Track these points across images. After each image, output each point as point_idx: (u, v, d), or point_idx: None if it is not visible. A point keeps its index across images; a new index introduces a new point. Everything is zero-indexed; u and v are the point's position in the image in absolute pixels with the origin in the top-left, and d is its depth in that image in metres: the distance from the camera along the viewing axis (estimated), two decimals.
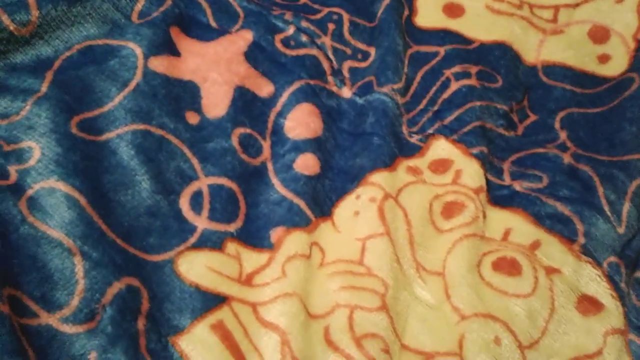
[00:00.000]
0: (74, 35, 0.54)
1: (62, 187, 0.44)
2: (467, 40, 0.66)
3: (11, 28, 0.51)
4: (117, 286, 0.43)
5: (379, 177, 0.54)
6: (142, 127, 0.50)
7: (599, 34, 0.69)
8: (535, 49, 0.68)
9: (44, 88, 0.50)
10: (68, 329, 0.41)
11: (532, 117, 0.63)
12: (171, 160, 0.50)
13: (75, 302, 0.42)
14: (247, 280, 0.47)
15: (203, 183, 0.50)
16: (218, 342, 0.43)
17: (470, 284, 0.49)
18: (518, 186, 0.57)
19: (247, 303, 0.46)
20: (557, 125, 0.62)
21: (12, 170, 0.45)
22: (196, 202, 0.49)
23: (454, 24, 0.68)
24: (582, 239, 0.53)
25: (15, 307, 0.39)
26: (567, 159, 0.59)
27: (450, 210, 0.54)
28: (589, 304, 0.50)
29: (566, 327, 0.49)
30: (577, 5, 0.71)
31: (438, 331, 0.47)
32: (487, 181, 0.57)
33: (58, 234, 0.42)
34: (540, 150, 0.60)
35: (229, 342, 0.43)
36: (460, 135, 0.58)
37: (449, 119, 0.60)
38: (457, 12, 0.70)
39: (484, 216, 0.54)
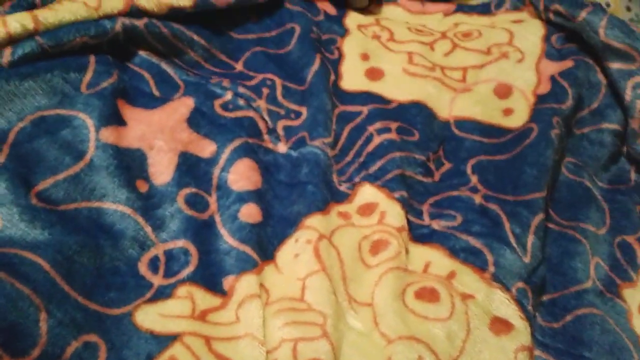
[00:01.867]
0: (26, 107, 0.58)
1: (25, 254, 0.48)
2: (386, 101, 0.75)
3: None
4: (74, 345, 0.47)
5: (314, 221, 0.60)
6: (95, 204, 0.55)
7: (503, 91, 0.79)
8: (448, 105, 0.77)
9: (1, 159, 0.54)
10: None
11: (447, 165, 0.72)
12: (127, 230, 0.55)
13: (36, 353, 0.45)
14: (201, 316, 0.51)
15: (159, 249, 0.55)
16: None
17: (395, 311, 0.55)
18: (436, 225, 0.64)
19: (200, 336, 0.50)
20: (468, 170, 0.71)
21: None
22: (153, 265, 0.54)
23: (374, 87, 0.77)
24: (492, 268, 0.60)
25: None
26: (478, 199, 0.67)
27: (377, 247, 0.60)
28: (500, 325, 0.56)
29: (481, 346, 0.55)
30: (482, 65, 0.81)
31: (369, 355, 0.52)
32: (409, 221, 0.64)
33: (27, 290, 0.46)
34: (455, 193, 0.68)
35: None
36: (383, 181, 0.65)
37: (373, 168, 0.67)
38: (378, 75, 0.79)
39: (407, 252, 0.61)
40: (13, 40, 0.61)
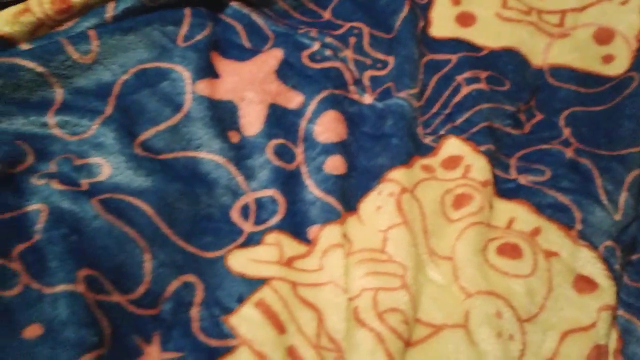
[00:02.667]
0: (128, 60, 0.62)
1: (131, 200, 0.53)
2: (477, 48, 0.73)
3: (75, 57, 0.60)
4: (175, 284, 0.52)
5: (396, 174, 0.61)
6: (191, 154, 0.59)
7: (604, 36, 0.74)
8: (543, 52, 0.74)
9: (108, 110, 0.58)
10: (135, 309, 0.49)
11: (539, 116, 0.70)
12: (221, 179, 0.58)
13: (141, 290, 0.50)
14: (288, 263, 0.55)
15: (250, 197, 0.58)
16: (261, 316, 0.50)
17: (475, 266, 0.56)
18: (523, 180, 0.63)
19: (287, 281, 0.53)
20: (561, 122, 0.68)
21: (84, 182, 0.54)
22: (244, 212, 0.58)
23: (465, 33, 0.75)
24: (579, 225, 0.59)
25: (91, 285, 0.48)
26: (569, 153, 0.65)
27: (460, 201, 0.60)
28: (584, 283, 0.56)
29: (563, 304, 0.55)
30: (583, 8, 0.76)
31: (447, 307, 0.54)
32: (494, 176, 0.63)
33: (133, 233, 0.51)
34: (545, 146, 0.66)
35: (269, 314, 0.50)
36: (469, 134, 0.65)
37: (460, 120, 0.66)
38: (469, 21, 0.76)
39: (490, 207, 0.60)
40: None
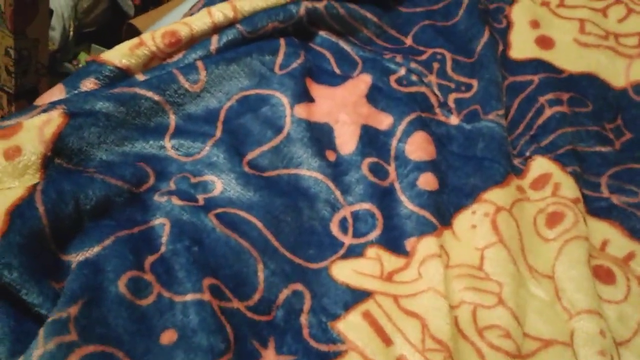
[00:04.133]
0: (232, 88, 0.68)
1: (242, 214, 0.58)
2: (558, 70, 0.75)
3: (186, 85, 0.66)
4: (285, 292, 0.55)
5: (492, 195, 0.63)
6: (293, 171, 0.63)
7: None
8: (624, 73, 0.76)
9: (217, 133, 0.64)
10: (252, 315, 0.53)
11: (628, 135, 0.71)
12: (320, 193, 0.62)
13: (256, 297, 0.54)
14: (388, 277, 0.58)
15: (347, 211, 0.62)
16: (367, 326, 0.53)
17: (577, 284, 0.56)
18: (616, 200, 0.64)
19: (389, 295, 0.56)
20: None
21: (200, 197, 0.59)
22: (343, 225, 0.61)
23: (545, 55, 0.77)
24: None
25: (215, 293, 0.52)
26: None
27: (553, 220, 0.62)
28: None
29: None
30: None
31: (554, 322, 0.55)
32: (584, 195, 0.64)
33: (246, 244, 0.56)
34: (637, 165, 0.67)
35: (376, 327, 0.53)
36: (555, 155, 0.67)
37: (545, 142, 0.68)
38: (548, 44, 0.79)
39: (585, 222, 0.62)
40: (217, 29, 0.71)
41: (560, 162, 0.66)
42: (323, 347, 0.52)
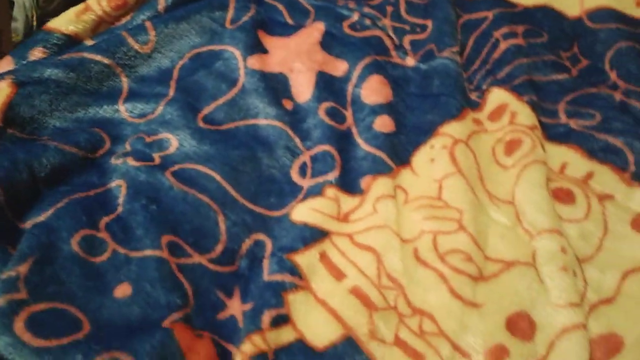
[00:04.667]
0: (183, 46, 0.67)
1: (200, 168, 0.58)
2: (512, 4, 0.75)
3: (136, 47, 0.65)
4: (248, 242, 0.56)
5: (448, 128, 0.63)
6: (251, 121, 0.63)
7: None
8: (578, 2, 0.75)
9: (171, 93, 0.63)
10: (215, 267, 0.53)
11: (584, 62, 0.70)
12: (280, 140, 0.62)
13: (219, 249, 0.54)
14: (344, 218, 0.58)
15: (306, 156, 0.62)
16: (322, 267, 0.54)
17: (536, 206, 0.57)
18: (574, 124, 0.64)
19: (344, 234, 0.57)
20: (606, 66, 0.69)
21: (156, 156, 0.59)
22: (302, 170, 0.61)
23: None
24: (632, 167, 0.60)
25: (173, 250, 0.52)
26: (618, 96, 0.65)
27: (511, 147, 0.62)
28: None
29: (621, 243, 0.56)
30: None
31: (515, 245, 0.56)
32: (542, 123, 0.64)
33: (205, 198, 0.56)
34: (593, 90, 0.67)
35: (330, 266, 0.54)
36: (511, 85, 0.67)
37: (501, 74, 0.68)
38: None
39: (543, 148, 0.62)
40: None
41: (517, 92, 0.66)
42: (278, 277, 0.53)
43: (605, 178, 0.60)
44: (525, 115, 0.64)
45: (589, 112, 0.65)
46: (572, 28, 0.73)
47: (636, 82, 0.66)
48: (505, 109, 0.65)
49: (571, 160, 0.62)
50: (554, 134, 0.64)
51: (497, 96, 0.67)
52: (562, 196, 0.59)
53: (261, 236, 0.56)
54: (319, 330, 0.50)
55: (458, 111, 0.65)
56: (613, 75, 0.68)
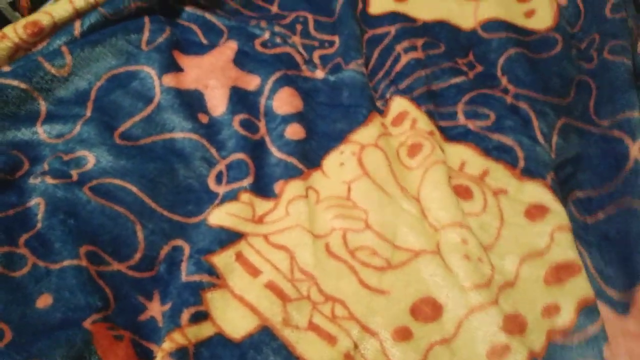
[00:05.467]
0: (100, 69, 0.70)
1: (117, 182, 0.60)
2: (412, 19, 0.81)
3: (53, 71, 0.68)
4: (166, 249, 0.59)
5: (357, 135, 0.68)
6: (167, 135, 0.66)
7: None
8: (472, 15, 0.82)
9: (88, 113, 0.66)
10: (134, 274, 0.56)
11: (479, 68, 0.77)
12: (196, 152, 0.65)
13: (137, 256, 0.57)
14: (259, 220, 0.62)
15: (222, 165, 0.65)
16: (239, 266, 0.58)
17: (440, 203, 0.62)
18: (471, 125, 0.70)
19: (259, 235, 0.60)
20: (498, 73, 0.76)
21: (74, 173, 0.61)
22: (218, 178, 0.65)
23: (401, 7, 0.83)
24: (522, 163, 0.65)
25: (92, 259, 0.55)
26: (509, 99, 0.72)
27: (413, 150, 0.67)
28: (535, 211, 0.62)
29: (517, 232, 0.61)
30: None
31: (423, 235, 0.60)
32: (441, 127, 0.70)
33: (123, 210, 0.58)
34: (489, 91, 0.73)
35: (247, 265, 0.58)
36: (412, 96, 0.72)
37: (402, 85, 0.73)
38: None
39: (442, 149, 0.67)
40: (79, 14, 0.72)
41: (416, 102, 0.71)
42: (195, 277, 0.56)
43: (499, 174, 0.66)
44: (424, 122, 0.69)
45: (485, 112, 0.71)
46: (467, 39, 0.80)
47: (524, 86, 0.73)
48: (406, 116, 0.71)
49: (469, 159, 0.68)
50: (453, 134, 0.70)
51: (400, 104, 0.72)
52: (462, 192, 0.65)
53: (179, 242, 0.59)
54: (237, 323, 0.54)
55: (365, 117, 0.70)
56: (504, 81, 0.75)
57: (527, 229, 0.62)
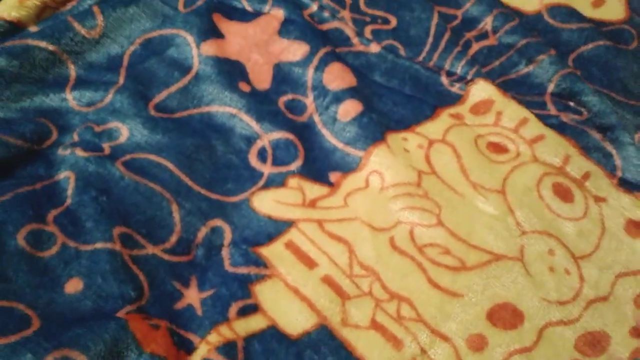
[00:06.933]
0: (133, 31, 0.65)
1: (152, 158, 0.57)
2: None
3: (83, 32, 0.63)
4: (204, 230, 0.55)
5: (423, 129, 0.64)
6: (205, 109, 0.62)
7: None
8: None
9: (121, 80, 0.62)
10: (171, 257, 0.53)
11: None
12: (235, 127, 0.61)
13: (174, 239, 0.54)
14: (311, 204, 0.58)
15: (265, 140, 0.61)
16: (290, 254, 0.54)
17: (530, 205, 0.58)
18: (564, 117, 0.65)
19: (312, 221, 0.56)
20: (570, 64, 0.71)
21: (106, 146, 0.57)
22: (262, 155, 0.61)
23: None
24: (619, 173, 0.62)
25: (125, 242, 0.51)
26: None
27: (495, 148, 0.63)
28: (634, 228, 0.59)
29: (617, 245, 0.58)
30: None
31: (504, 237, 0.56)
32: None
33: (158, 187, 0.55)
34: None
35: (299, 254, 0.54)
36: (496, 83, 0.68)
37: (486, 68, 0.69)
38: None
39: (531, 148, 0.63)
40: None
41: (501, 87, 0.67)
42: (243, 270, 0.53)
43: (600, 182, 0.62)
44: (510, 115, 0.64)
45: (577, 107, 0.66)
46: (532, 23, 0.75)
47: (601, 85, 0.69)
48: (491, 106, 0.66)
49: (573, 155, 0.63)
50: (548, 124, 0.65)
51: (482, 89, 0.67)
52: (562, 193, 0.60)
53: (218, 222, 0.56)
54: (292, 318, 0.51)
55: (431, 111, 0.65)
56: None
57: (626, 244, 0.58)
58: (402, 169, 0.59)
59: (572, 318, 0.53)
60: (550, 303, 0.53)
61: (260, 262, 0.53)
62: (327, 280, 0.53)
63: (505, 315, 0.52)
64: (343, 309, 0.51)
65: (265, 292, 0.52)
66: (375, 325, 0.51)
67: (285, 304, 0.51)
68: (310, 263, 0.54)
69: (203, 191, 0.57)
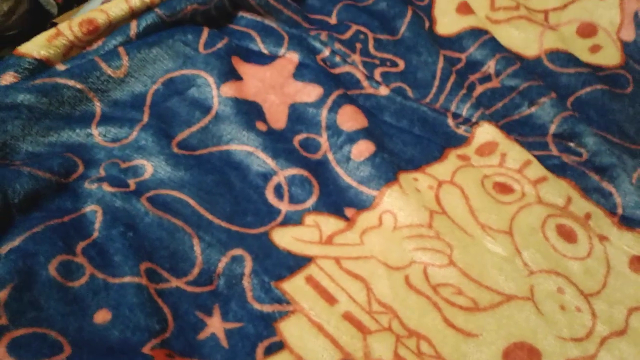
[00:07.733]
0: (156, 71, 0.70)
1: (174, 194, 0.61)
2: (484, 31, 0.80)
3: (109, 72, 0.68)
4: (224, 260, 0.58)
5: (432, 170, 0.67)
6: (224, 147, 0.66)
7: (587, 30, 0.82)
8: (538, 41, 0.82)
9: (145, 118, 0.66)
10: (193, 289, 0.56)
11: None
12: (251, 165, 0.66)
13: (196, 271, 0.57)
14: (328, 240, 0.61)
15: (280, 176, 0.65)
16: (311, 289, 0.57)
17: (536, 245, 0.62)
18: (566, 158, 0.69)
19: (330, 258, 0.60)
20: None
21: (132, 182, 0.61)
22: (278, 192, 0.65)
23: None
24: (620, 210, 0.65)
25: (151, 276, 0.55)
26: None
27: (501, 189, 0.66)
28: (638, 263, 0.62)
29: (623, 282, 0.61)
30: (564, 6, 0.84)
31: (514, 278, 0.59)
32: (535, 157, 0.69)
33: (180, 222, 0.58)
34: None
35: (319, 289, 0.57)
36: (499, 124, 0.72)
37: (489, 111, 0.73)
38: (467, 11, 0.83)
39: (535, 188, 0.66)
40: (135, 14, 0.72)
41: (505, 129, 0.71)
42: (267, 308, 0.56)
43: (601, 221, 0.65)
44: (514, 156, 0.68)
45: (577, 149, 0.70)
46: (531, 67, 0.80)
47: (598, 128, 0.72)
48: (495, 148, 0.69)
49: (574, 197, 0.66)
50: (549, 165, 0.68)
51: (487, 132, 0.71)
52: (565, 234, 0.63)
53: (239, 251, 0.59)
54: (319, 355, 0.53)
55: (440, 153, 0.69)
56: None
57: (632, 281, 0.61)
58: (414, 211, 0.63)
59: (589, 354, 0.55)
60: (565, 340, 0.56)
61: (283, 300, 0.56)
62: (348, 317, 0.56)
63: (521, 355, 0.55)
64: (365, 344, 0.54)
65: (290, 329, 0.54)
66: (399, 358, 0.53)
67: (310, 340, 0.54)
68: (330, 299, 0.57)
69: (223, 223, 0.60)
